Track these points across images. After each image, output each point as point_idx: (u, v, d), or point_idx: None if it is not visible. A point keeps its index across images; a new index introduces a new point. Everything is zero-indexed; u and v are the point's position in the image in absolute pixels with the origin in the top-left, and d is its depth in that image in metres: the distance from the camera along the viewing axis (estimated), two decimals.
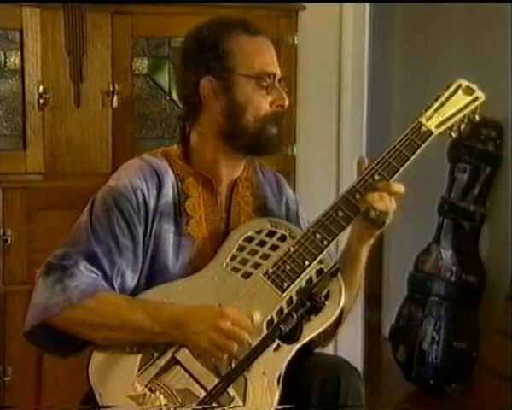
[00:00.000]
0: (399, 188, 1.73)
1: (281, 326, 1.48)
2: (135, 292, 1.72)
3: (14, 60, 2.69)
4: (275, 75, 1.75)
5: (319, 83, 3.15)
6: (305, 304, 1.50)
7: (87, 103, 2.78)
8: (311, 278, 1.70)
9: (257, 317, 1.63)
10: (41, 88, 2.71)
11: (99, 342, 1.65)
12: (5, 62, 2.69)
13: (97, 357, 1.64)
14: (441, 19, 4.05)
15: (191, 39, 1.78)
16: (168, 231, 1.73)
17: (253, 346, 1.58)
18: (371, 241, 1.80)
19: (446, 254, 3.70)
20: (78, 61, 2.76)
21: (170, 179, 1.75)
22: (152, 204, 1.72)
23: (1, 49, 2.68)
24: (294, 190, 3.02)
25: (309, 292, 1.51)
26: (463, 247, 3.71)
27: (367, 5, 3.22)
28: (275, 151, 1.79)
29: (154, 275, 1.72)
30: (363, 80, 3.24)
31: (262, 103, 1.73)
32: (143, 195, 1.71)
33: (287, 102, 1.76)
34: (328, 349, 3.14)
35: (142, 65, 2.85)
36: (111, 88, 2.78)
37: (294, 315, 1.49)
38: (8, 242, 2.68)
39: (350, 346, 3.27)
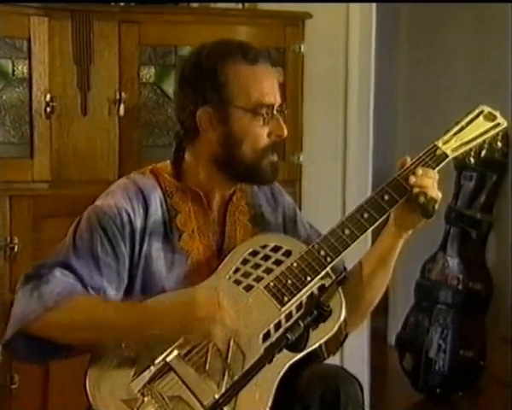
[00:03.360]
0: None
1: (287, 335, 1.48)
2: None
3: (21, 68, 2.70)
4: (273, 105, 1.72)
5: (325, 91, 3.16)
6: (312, 313, 1.49)
7: (94, 112, 2.79)
8: (312, 294, 1.69)
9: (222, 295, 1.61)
10: (48, 96, 2.72)
11: (76, 344, 1.65)
12: (13, 71, 2.70)
13: (95, 361, 1.65)
14: (447, 26, 4.06)
15: (189, 65, 1.75)
16: (159, 249, 1.72)
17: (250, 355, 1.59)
18: (409, 232, 1.79)
19: (453, 263, 3.69)
20: (85, 70, 2.77)
21: (157, 197, 1.75)
22: (139, 224, 1.71)
23: (9, 58, 2.69)
24: (300, 199, 3.05)
25: (316, 301, 1.51)
26: (470, 255, 3.70)
27: (373, 13, 3.22)
28: (272, 180, 1.79)
29: (147, 294, 1.70)
30: (369, 88, 3.24)
31: (260, 135, 1.71)
32: (128, 215, 1.70)
33: (285, 133, 1.74)
34: (335, 358, 3.15)
35: (148, 73, 2.85)
36: (118, 96, 2.78)
37: (301, 324, 1.49)
38: (15, 249, 2.68)
39: (356, 354, 3.26)
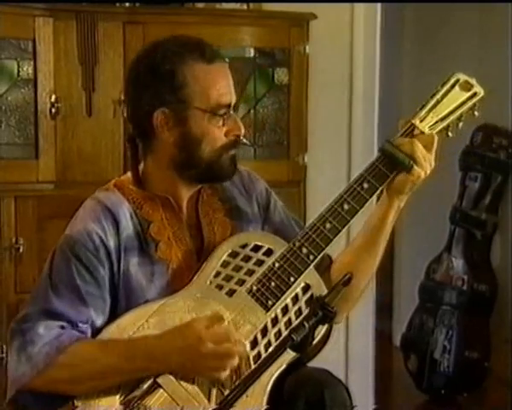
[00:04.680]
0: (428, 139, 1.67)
1: (292, 336, 1.47)
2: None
3: (26, 69, 2.70)
4: (230, 105, 1.69)
5: (330, 92, 3.16)
6: (317, 313, 1.49)
7: (99, 112, 2.79)
8: (296, 296, 1.66)
9: (225, 314, 1.59)
10: (53, 97, 2.72)
11: (82, 393, 1.60)
12: (18, 72, 2.70)
13: None
14: (452, 25, 4.05)
15: (144, 65, 1.69)
16: (136, 263, 1.68)
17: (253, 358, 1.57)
18: (401, 198, 1.71)
19: (458, 263, 3.69)
20: (90, 71, 2.77)
21: (126, 211, 1.70)
22: (112, 243, 1.66)
23: (14, 59, 2.69)
24: (305, 200, 3.05)
25: (321, 301, 1.50)
26: (475, 256, 3.70)
27: (378, 14, 3.22)
28: (231, 175, 1.74)
29: (133, 307, 1.66)
30: (374, 89, 3.24)
31: (218, 135, 1.68)
32: (100, 237, 1.65)
33: (242, 132, 1.71)
34: (340, 359, 3.15)
35: None
36: (123, 97, 2.78)
37: (306, 324, 1.48)
38: (20, 250, 2.69)
39: (361, 355, 3.26)
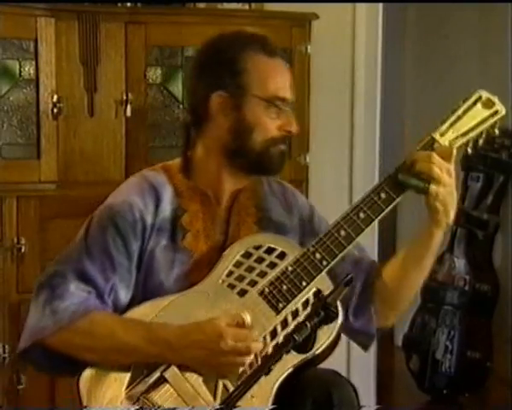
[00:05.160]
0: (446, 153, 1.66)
1: (294, 336, 1.47)
2: (131, 305, 1.69)
3: (28, 69, 2.71)
4: (286, 99, 1.73)
5: (332, 92, 3.16)
6: (319, 314, 1.49)
7: (101, 113, 2.79)
8: (307, 300, 1.66)
9: (247, 318, 1.59)
10: (55, 97, 2.72)
11: (93, 363, 1.63)
12: (20, 72, 2.70)
13: (88, 369, 1.63)
14: (453, 25, 4.05)
15: (207, 50, 1.76)
16: (163, 246, 1.70)
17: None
18: (446, 213, 1.68)
19: (460, 263, 3.69)
20: (91, 71, 2.77)
21: (168, 194, 1.73)
22: (149, 221, 1.70)
23: (16, 59, 2.70)
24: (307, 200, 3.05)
25: (323, 302, 1.50)
26: (477, 256, 3.69)
27: (380, 13, 3.22)
28: (277, 172, 1.77)
29: (149, 291, 1.69)
30: (376, 88, 3.24)
31: (270, 126, 1.71)
32: (140, 211, 1.69)
33: (294, 129, 1.74)
34: (342, 359, 3.15)
35: (155, 74, 2.85)
36: (124, 97, 2.79)
37: (308, 325, 1.48)
38: (22, 250, 2.69)
39: (363, 355, 3.25)
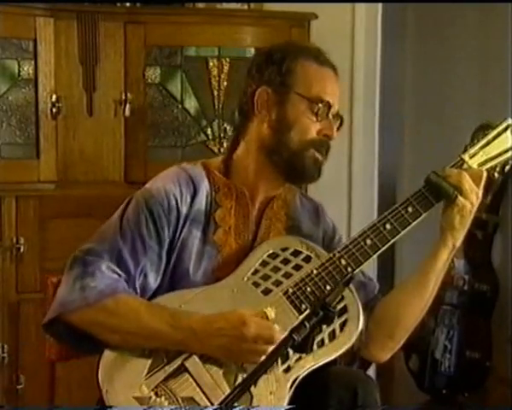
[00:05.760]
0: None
1: (293, 335, 1.48)
2: (156, 294, 1.72)
3: (27, 69, 2.71)
4: (330, 105, 1.75)
5: None
6: (318, 313, 1.49)
7: (100, 112, 2.80)
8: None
9: (271, 313, 1.61)
10: (54, 97, 2.73)
11: (115, 344, 1.65)
12: (19, 72, 2.71)
13: (108, 354, 1.65)
14: (452, 26, 4.05)
15: (261, 53, 1.83)
16: (195, 237, 1.73)
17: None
18: (455, 236, 1.74)
19: (459, 263, 3.68)
20: (90, 71, 2.77)
21: (205, 188, 1.76)
22: (184, 210, 1.73)
23: (15, 59, 2.70)
24: None
25: (322, 301, 1.50)
26: (476, 256, 3.69)
27: (379, 15, 3.22)
28: (314, 178, 1.78)
29: (176, 279, 1.72)
30: (375, 90, 3.24)
31: (309, 127, 1.73)
32: (176, 200, 1.72)
33: (335, 134, 1.76)
34: None
35: (154, 74, 2.86)
36: (123, 97, 2.79)
37: (307, 324, 1.48)
38: (21, 250, 2.69)
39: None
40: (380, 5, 3.23)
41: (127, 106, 2.79)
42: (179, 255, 1.72)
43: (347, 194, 3.21)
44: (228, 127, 2.90)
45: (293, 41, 1.83)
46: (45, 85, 2.73)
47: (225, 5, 3.03)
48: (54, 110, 2.73)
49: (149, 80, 2.85)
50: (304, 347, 1.52)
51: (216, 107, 2.90)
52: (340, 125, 1.79)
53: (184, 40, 2.85)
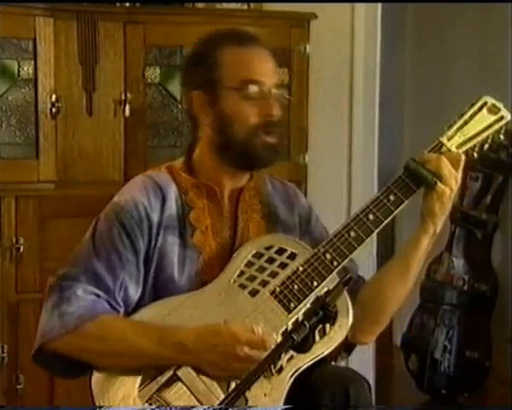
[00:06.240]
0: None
1: (293, 335, 1.48)
2: (139, 305, 1.70)
3: (27, 69, 2.71)
4: (262, 83, 1.71)
5: (331, 92, 3.16)
6: (317, 313, 1.49)
7: (99, 112, 2.79)
8: (317, 295, 1.66)
9: (259, 330, 1.59)
10: (54, 97, 2.72)
11: (103, 366, 1.63)
12: (18, 72, 2.70)
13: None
14: (452, 26, 4.05)
15: (188, 56, 1.81)
16: (173, 243, 1.71)
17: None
18: (435, 222, 1.73)
19: (458, 263, 3.69)
20: (90, 71, 2.77)
21: (173, 193, 1.74)
22: (155, 218, 1.71)
23: (14, 59, 2.69)
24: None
25: (322, 301, 1.50)
26: (476, 255, 3.69)
27: (378, 14, 3.22)
28: (268, 163, 1.75)
29: (160, 288, 1.70)
30: (374, 89, 3.24)
31: (248, 113, 1.70)
32: (145, 209, 1.70)
33: (275, 112, 1.72)
34: None
35: (154, 74, 2.85)
36: (123, 97, 2.79)
37: (307, 324, 1.48)
38: (21, 250, 2.69)
39: (361, 355, 3.25)
40: (379, 5, 3.23)
41: (127, 106, 2.79)
42: (159, 264, 1.70)
43: (347, 193, 3.21)
44: None
45: (213, 32, 1.78)
46: (45, 85, 2.72)
47: (225, 5, 3.02)
48: (53, 110, 2.72)
49: (149, 80, 2.85)
50: (303, 347, 1.52)
51: None
52: (289, 95, 1.77)
53: (184, 40, 2.84)
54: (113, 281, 1.67)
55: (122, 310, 1.69)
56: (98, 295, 1.66)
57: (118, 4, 2.88)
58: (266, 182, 1.85)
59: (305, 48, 2.98)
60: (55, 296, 1.66)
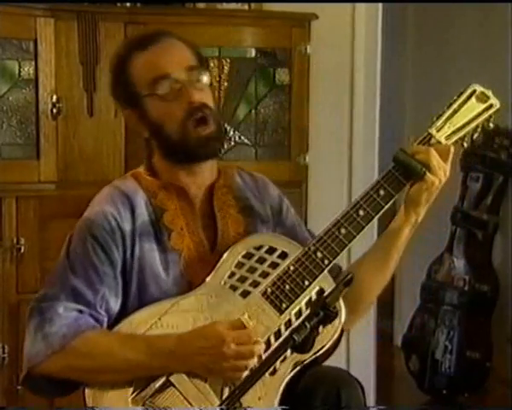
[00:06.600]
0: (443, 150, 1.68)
1: (294, 336, 1.47)
2: (122, 315, 1.68)
3: (28, 69, 2.70)
4: (172, 74, 1.69)
5: (331, 92, 3.16)
6: (318, 314, 1.49)
7: (100, 113, 2.79)
8: (310, 299, 1.66)
9: (248, 322, 1.59)
10: (54, 97, 2.72)
11: (94, 383, 1.61)
12: (19, 72, 2.70)
13: None
14: (454, 25, 4.05)
15: (109, 83, 1.80)
16: (151, 250, 1.70)
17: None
18: (418, 212, 1.72)
19: (459, 264, 3.69)
20: (91, 71, 2.77)
21: (141, 198, 1.73)
22: (127, 227, 1.69)
23: (15, 59, 2.69)
24: (306, 200, 3.05)
25: (322, 302, 1.50)
26: (476, 256, 3.69)
27: (379, 14, 3.22)
28: (208, 155, 1.74)
29: (146, 295, 1.68)
30: (375, 89, 3.24)
31: (170, 111, 1.70)
32: (116, 219, 1.69)
33: (197, 97, 1.70)
34: (341, 359, 3.15)
35: None
36: None
37: (308, 325, 1.48)
38: (22, 250, 2.69)
39: (362, 355, 3.26)
40: (380, 5, 3.23)
41: None
42: (142, 272, 1.69)
43: (347, 194, 3.21)
44: (228, 128, 2.90)
45: (120, 46, 1.79)
46: (46, 86, 2.72)
47: (226, 5, 3.02)
48: (54, 111, 2.72)
49: None
50: (304, 347, 1.52)
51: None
52: (207, 68, 1.76)
53: None
54: (93, 295, 1.65)
55: (106, 320, 1.67)
56: (80, 311, 1.65)
57: (118, 5, 2.88)
58: (235, 177, 1.84)
59: (305, 48, 2.98)
60: (37, 319, 1.64)
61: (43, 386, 1.67)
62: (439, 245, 3.81)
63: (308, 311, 1.58)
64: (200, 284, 1.68)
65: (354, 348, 3.22)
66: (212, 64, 2.87)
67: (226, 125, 2.91)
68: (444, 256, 3.77)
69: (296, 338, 1.47)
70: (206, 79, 1.74)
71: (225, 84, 2.89)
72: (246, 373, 1.57)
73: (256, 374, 1.50)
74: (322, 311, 1.49)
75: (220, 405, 1.53)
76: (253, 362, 1.57)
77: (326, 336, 1.63)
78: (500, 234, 3.71)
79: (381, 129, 3.28)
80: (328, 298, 1.50)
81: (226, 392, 1.60)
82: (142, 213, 1.72)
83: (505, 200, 3.68)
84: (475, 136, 1.75)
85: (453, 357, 3.60)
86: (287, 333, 1.61)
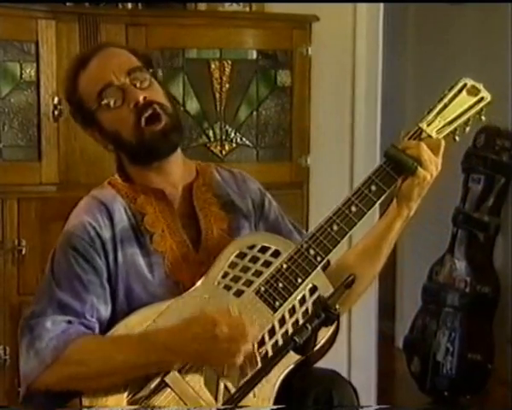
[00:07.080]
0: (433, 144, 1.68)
1: (295, 338, 1.47)
2: (112, 321, 1.68)
3: (29, 72, 2.71)
4: (113, 80, 1.72)
5: (333, 93, 3.16)
6: (319, 315, 1.49)
7: None
8: (303, 297, 1.66)
9: (234, 310, 1.60)
10: (56, 99, 2.73)
11: (92, 390, 1.61)
12: (21, 74, 2.71)
13: None
14: (454, 26, 4.05)
15: (69, 108, 1.83)
16: (134, 254, 1.70)
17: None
18: (410, 206, 1.71)
19: (460, 265, 3.68)
20: None
21: (120, 205, 1.74)
22: (107, 235, 1.70)
23: (17, 61, 2.70)
24: (308, 201, 3.05)
25: (324, 303, 1.50)
26: (478, 257, 3.69)
27: (380, 15, 3.22)
28: (167, 150, 1.75)
29: (134, 299, 1.69)
30: (376, 90, 3.24)
31: (123, 117, 1.72)
32: (94, 228, 1.69)
33: (140, 97, 1.71)
34: (342, 361, 3.15)
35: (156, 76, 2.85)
36: None
37: (309, 326, 1.48)
38: (23, 252, 2.69)
39: (364, 357, 3.26)
40: (381, 5, 3.23)
41: None
42: (126, 277, 1.69)
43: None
44: (229, 129, 2.90)
45: (68, 70, 1.82)
46: (47, 88, 2.73)
47: (227, 7, 3.03)
48: (55, 112, 2.73)
49: None
50: (306, 349, 1.52)
51: (217, 109, 2.90)
52: (150, 67, 1.80)
53: (186, 42, 2.85)
54: (80, 305, 1.66)
55: (97, 326, 1.68)
56: (69, 321, 1.65)
57: (120, 6, 2.89)
58: (214, 174, 1.85)
59: (307, 50, 2.99)
60: (27, 337, 1.65)
61: (42, 401, 1.66)
62: (440, 247, 3.81)
63: (309, 312, 1.60)
64: (187, 284, 1.69)
65: (356, 350, 3.22)
66: (213, 66, 2.88)
67: (227, 126, 2.91)
68: (445, 258, 3.77)
69: (297, 340, 1.47)
70: (148, 76, 1.77)
71: (226, 85, 2.89)
72: (240, 359, 1.57)
73: (256, 377, 1.50)
74: (324, 313, 1.49)
75: (224, 404, 1.53)
76: (247, 348, 1.57)
77: (319, 334, 1.62)
78: (501, 236, 3.70)
79: (382, 130, 3.29)
80: (330, 300, 1.50)
81: (221, 391, 1.61)
82: (122, 219, 1.73)
83: (506, 201, 3.68)
84: (467, 129, 1.74)
85: (454, 359, 3.60)
86: (283, 332, 1.62)
